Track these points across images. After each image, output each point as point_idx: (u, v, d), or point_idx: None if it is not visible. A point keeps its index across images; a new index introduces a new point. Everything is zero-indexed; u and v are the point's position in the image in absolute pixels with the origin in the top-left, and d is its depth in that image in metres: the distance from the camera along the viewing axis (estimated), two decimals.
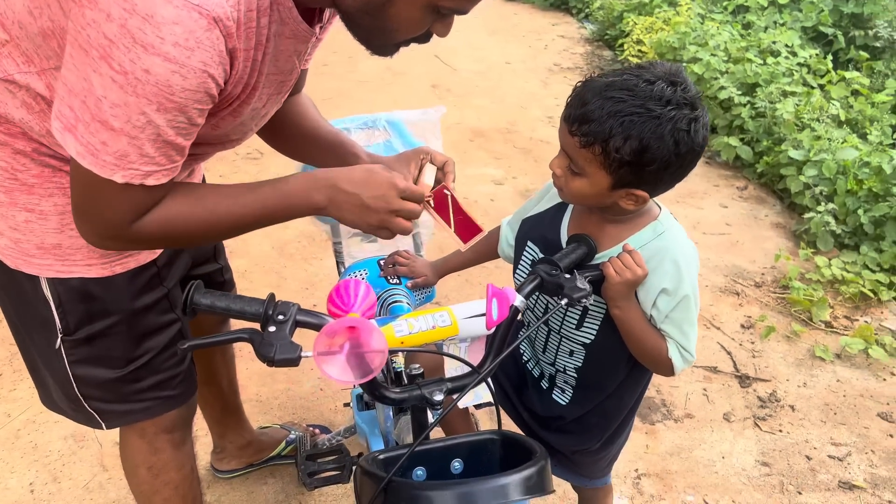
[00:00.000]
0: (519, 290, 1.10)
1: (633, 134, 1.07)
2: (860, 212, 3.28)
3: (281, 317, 0.95)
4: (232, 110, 1.07)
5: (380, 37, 1.03)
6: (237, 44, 0.94)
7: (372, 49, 1.07)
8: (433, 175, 1.20)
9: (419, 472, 1.03)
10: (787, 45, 4.88)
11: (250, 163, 3.84)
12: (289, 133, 1.42)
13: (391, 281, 1.60)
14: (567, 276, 1.13)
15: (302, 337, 0.94)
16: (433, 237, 1.89)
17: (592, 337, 1.30)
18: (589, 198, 1.19)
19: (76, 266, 1.16)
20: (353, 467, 1.40)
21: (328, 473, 1.47)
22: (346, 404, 2.21)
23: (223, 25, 0.90)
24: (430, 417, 1.11)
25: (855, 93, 4.49)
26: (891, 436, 2.33)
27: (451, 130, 4.40)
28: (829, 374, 2.61)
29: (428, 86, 5.22)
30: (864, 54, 5.22)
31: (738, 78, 4.47)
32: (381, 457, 1.02)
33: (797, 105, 4.06)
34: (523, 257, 1.38)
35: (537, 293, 1.34)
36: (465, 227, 1.17)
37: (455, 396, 1.05)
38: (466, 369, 1.07)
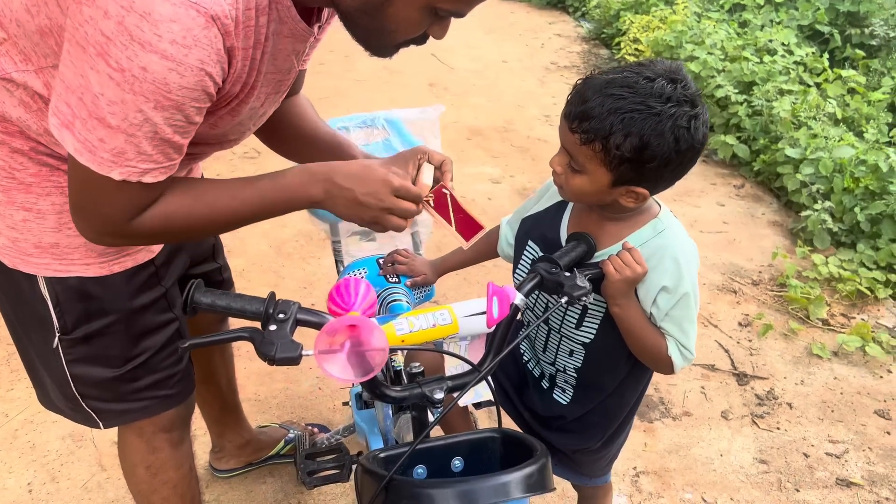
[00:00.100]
0: (519, 288, 1.10)
1: (633, 131, 1.07)
2: (857, 210, 3.29)
3: (281, 315, 0.95)
4: (230, 109, 1.07)
5: (378, 37, 1.03)
6: (235, 42, 0.94)
7: (370, 50, 1.07)
8: (431, 174, 1.19)
9: (420, 471, 1.03)
10: (783, 44, 4.88)
11: (247, 162, 3.83)
12: (286, 134, 1.42)
13: (390, 279, 1.59)
14: (567, 274, 1.13)
15: (302, 336, 0.93)
16: (432, 236, 1.89)
17: (592, 336, 1.30)
18: (589, 195, 1.19)
19: (74, 265, 1.16)
20: (353, 466, 1.40)
21: (328, 472, 1.46)
22: (345, 403, 2.21)
23: (221, 23, 0.89)
24: (430, 416, 1.11)
25: (851, 91, 4.50)
26: (888, 433, 2.34)
27: (448, 129, 4.40)
28: (826, 372, 2.62)
29: (425, 84, 5.22)
30: (861, 52, 5.24)
31: (734, 76, 4.48)
32: (382, 455, 1.02)
33: (794, 103, 4.07)
34: (523, 256, 1.38)
35: (537, 292, 1.35)
36: (466, 225, 1.17)
37: (455, 395, 1.05)
38: (466, 368, 1.07)
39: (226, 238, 1.62)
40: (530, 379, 1.48)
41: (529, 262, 1.36)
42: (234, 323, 1.56)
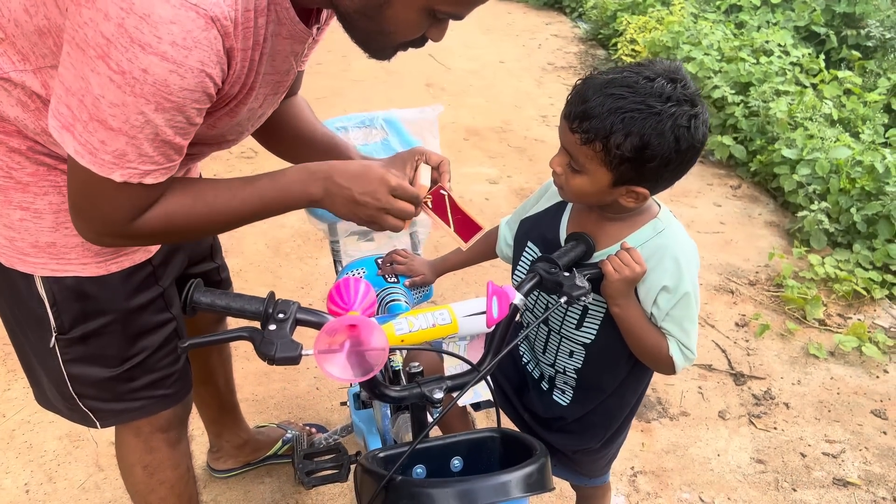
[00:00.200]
0: (518, 287, 1.10)
1: (633, 130, 1.08)
2: (853, 210, 3.30)
3: (281, 315, 0.95)
4: (229, 110, 1.07)
5: (377, 39, 1.03)
6: (234, 43, 0.94)
7: (370, 52, 1.07)
8: (429, 175, 1.19)
9: (419, 470, 1.03)
10: (779, 45, 4.90)
11: (244, 162, 3.83)
12: (284, 135, 1.42)
13: (389, 279, 1.59)
14: (566, 274, 1.13)
15: (301, 336, 0.93)
16: (430, 236, 1.89)
17: (593, 337, 1.30)
18: (589, 195, 1.19)
19: (71, 265, 1.16)
20: (352, 466, 1.40)
21: (326, 472, 1.46)
22: (343, 403, 2.21)
23: (220, 25, 0.90)
24: (429, 416, 1.11)
25: (847, 92, 4.51)
26: (884, 433, 2.35)
27: (445, 129, 4.40)
28: (822, 372, 2.62)
29: (422, 85, 5.22)
30: (856, 54, 5.25)
31: (731, 77, 4.49)
32: (381, 455, 1.02)
33: (790, 104, 4.08)
34: (523, 257, 1.38)
35: (537, 293, 1.35)
36: (465, 226, 1.17)
37: (455, 394, 1.05)
38: (466, 367, 1.07)
39: (223, 238, 1.62)
40: (530, 380, 1.48)
41: (529, 263, 1.36)
42: (232, 323, 1.56)
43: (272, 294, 0.99)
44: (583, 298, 1.10)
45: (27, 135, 1.07)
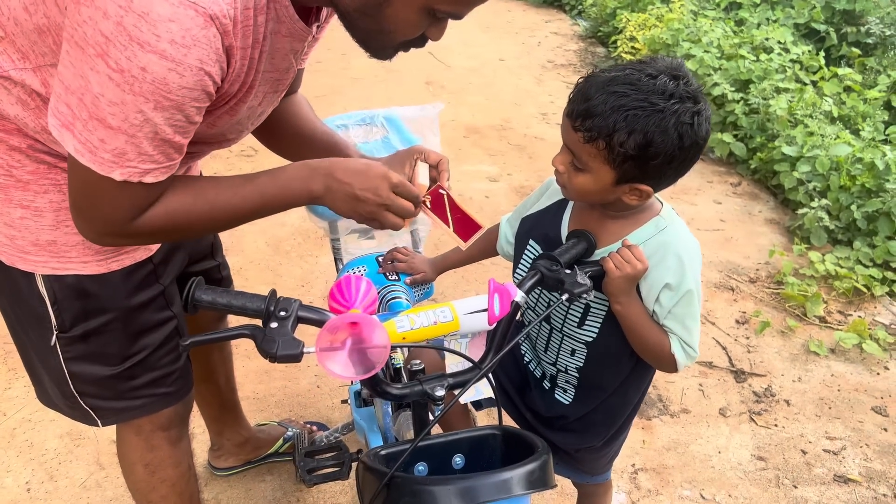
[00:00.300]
0: (520, 285, 1.10)
1: (637, 128, 1.07)
2: (853, 207, 3.30)
3: (283, 313, 0.95)
4: (228, 108, 1.06)
5: (377, 38, 1.03)
6: (234, 41, 0.94)
7: (370, 51, 1.07)
8: (427, 173, 1.19)
9: (420, 468, 1.03)
10: (779, 42, 4.89)
11: (244, 160, 3.82)
12: (284, 133, 1.42)
13: (390, 277, 1.59)
14: (567, 271, 1.13)
15: (302, 333, 0.93)
16: (431, 233, 1.89)
17: (594, 335, 1.30)
18: (593, 194, 1.19)
19: (71, 263, 1.16)
20: (353, 464, 1.40)
21: (327, 470, 1.46)
22: (344, 401, 2.21)
23: (219, 23, 0.89)
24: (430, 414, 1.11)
25: (847, 89, 4.51)
26: (885, 430, 2.35)
27: (445, 127, 4.39)
28: (823, 369, 2.62)
29: (422, 83, 5.21)
30: (856, 51, 5.25)
31: (731, 74, 4.48)
32: (383, 452, 1.02)
33: (790, 101, 4.08)
34: (524, 256, 1.38)
35: (539, 291, 1.35)
36: (464, 225, 1.17)
37: (457, 392, 1.05)
38: (467, 365, 1.07)
39: (223, 236, 1.62)
40: (532, 380, 1.47)
41: (530, 261, 1.36)
42: (233, 321, 1.56)
43: (273, 292, 0.98)
44: (584, 296, 1.10)
45: (27, 133, 1.07)
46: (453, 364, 1.12)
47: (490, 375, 1.06)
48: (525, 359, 1.48)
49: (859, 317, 2.89)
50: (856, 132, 4.03)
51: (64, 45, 0.91)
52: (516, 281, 1.17)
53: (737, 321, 2.87)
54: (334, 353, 0.89)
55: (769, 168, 3.88)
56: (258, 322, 0.97)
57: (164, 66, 0.87)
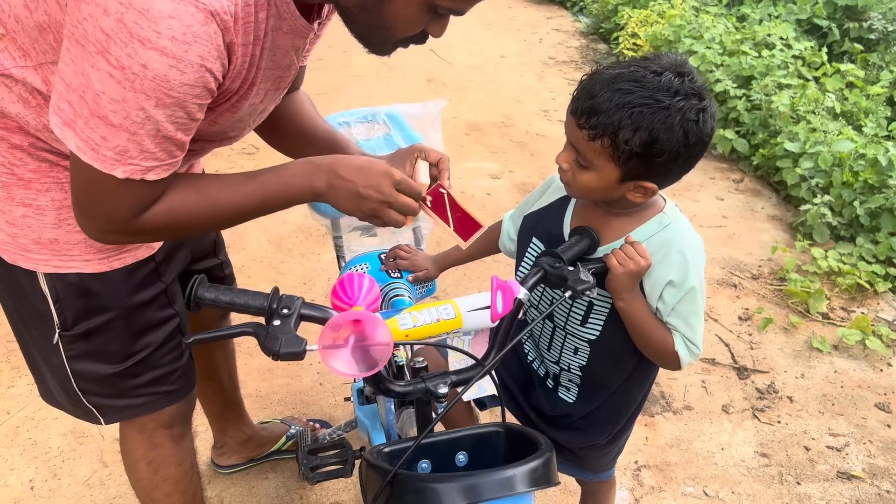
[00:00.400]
0: (523, 282, 1.10)
1: (642, 125, 1.07)
2: (856, 203, 3.30)
3: (285, 311, 0.94)
4: (230, 105, 1.06)
5: (377, 34, 1.03)
6: (235, 38, 0.94)
7: (369, 47, 1.06)
8: (427, 172, 1.19)
9: (424, 465, 1.03)
10: (781, 38, 4.88)
11: (246, 158, 3.82)
12: (286, 131, 1.42)
13: (392, 275, 1.59)
14: (570, 268, 1.13)
15: (304, 331, 0.93)
16: (433, 231, 1.88)
17: (598, 333, 1.29)
18: (597, 191, 1.19)
19: (73, 261, 1.16)
20: (356, 461, 1.40)
21: (330, 467, 1.47)
22: (347, 399, 2.22)
23: (220, 19, 0.89)
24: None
25: (850, 85, 4.49)
26: (888, 426, 2.35)
27: (447, 125, 4.38)
28: (826, 366, 2.62)
29: (423, 80, 5.21)
30: (859, 46, 5.23)
31: (733, 71, 4.47)
32: (386, 450, 1.02)
33: (792, 97, 4.07)
34: (527, 254, 1.37)
35: (542, 289, 1.34)
36: (465, 224, 1.16)
37: (460, 389, 1.05)
38: (470, 363, 1.07)
39: (225, 234, 1.62)
40: (536, 378, 1.47)
41: (533, 259, 1.35)
42: (236, 319, 1.56)
43: (276, 289, 0.98)
44: (587, 293, 1.09)
45: (29, 131, 1.06)
46: (456, 361, 1.12)
47: (493, 373, 1.06)
48: (528, 357, 1.48)
49: (862, 313, 2.88)
50: (858, 128, 4.02)
51: (64, 42, 0.91)
52: (519, 279, 1.17)
53: (739, 318, 2.86)
54: (337, 351, 0.89)
55: (771, 164, 3.87)
56: (261, 320, 0.97)
57: (165, 62, 0.86)
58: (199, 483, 1.59)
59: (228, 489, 1.99)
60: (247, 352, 2.40)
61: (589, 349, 1.32)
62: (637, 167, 1.12)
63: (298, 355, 0.91)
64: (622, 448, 1.54)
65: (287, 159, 1.53)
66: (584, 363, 1.34)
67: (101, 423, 1.34)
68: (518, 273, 1.39)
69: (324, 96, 4.44)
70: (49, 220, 1.12)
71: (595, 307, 1.28)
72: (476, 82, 5.26)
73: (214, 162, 3.72)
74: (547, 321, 1.36)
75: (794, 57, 4.72)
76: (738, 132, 4.18)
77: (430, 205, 1.16)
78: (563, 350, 1.36)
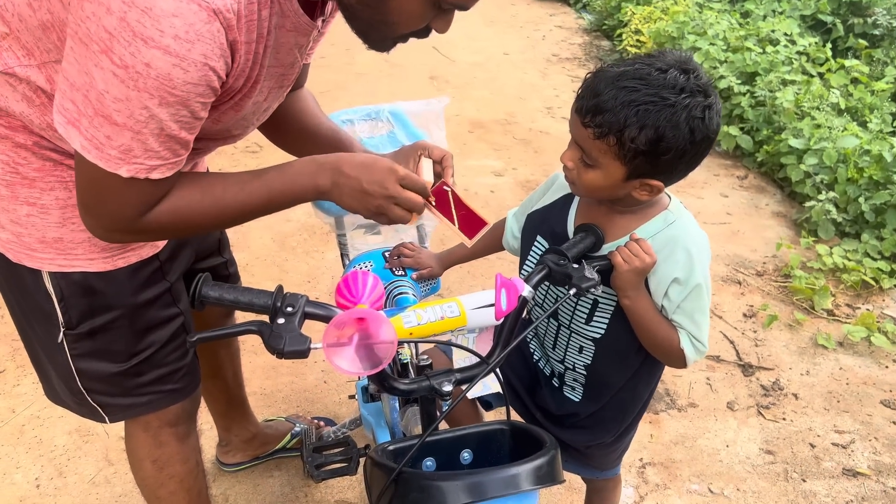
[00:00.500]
0: (527, 280, 1.10)
1: (648, 123, 1.06)
2: (861, 200, 3.28)
3: (290, 309, 0.94)
4: (233, 104, 1.06)
5: (379, 30, 1.02)
6: (238, 36, 0.93)
7: (369, 43, 1.06)
8: (431, 169, 1.18)
9: (428, 463, 1.03)
10: (785, 34, 4.86)
11: (249, 156, 3.82)
12: (289, 129, 1.42)
13: (396, 272, 1.59)
14: (575, 265, 1.12)
15: (309, 329, 0.93)
16: (437, 228, 1.88)
17: (603, 331, 1.29)
18: (602, 190, 1.18)
19: (78, 260, 1.16)
20: (361, 459, 1.40)
21: (335, 465, 1.47)
22: (351, 396, 2.21)
23: (223, 17, 0.89)
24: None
25: (854, 81, 4.48)
26: (894, 423, 2.34)
27: (450, 122, 4.38)
28: (831, 362, 2.61)
29: (426, 77, 5.20)
30: (863, 42, 5.21)
31: (737, 67, 4.46)
32: (391, 448, 1.02)
33: (797, 94, 4.05)
34: (532, 252, 1.37)
35: (547, 287, 1.34)
36: (469, 222, 1.16)
37: (464, 387, 1.04)
38: (475, 360, 1.07)
39: (229, 232, 1.62)
40: (541, 377, 1.46)
41: (537, 257, 1.35)
42: (240, 317, 1.56)
43: (280, 288, 0.98)
44: (592, 291, 1.09)
45: (33, 130, 1.07)
46: (461, 359, 1.11)
47: (497, 370, 1.06)
48: (534, 357, 1.48)
49: (867, 310, 2.87)
50: (863, 124, 4.00)
51: (68, 41, 0.91)
52: (523, 276, 1.17)
53: (744, 315, 2.86)
54: (341, 349, 0.89)
55: (776, 161, 3.86)
56: (265, 318, 0.97)
57: (169, 61, 0.86)
58: (204, 481, 1.59)
59: (233, 487, 1.99)
60: (251, 350, 2.40)
61: (594, 348, 1.32)
62: (643, 165, 1.11)
63: (303, 353, 0.91)
64: (628, 446, 1.54)
65: (291, 157, 1.54)
66: (590, 362, 1.34)
67: (105, 422, 1.35)
68: (522, 271, 1.38)
69: (327, 94, 4.44)
70: (53, 219, 1.13)
71: (600, 305, 1.27)
72: (479, 80, 5.25)
73: (218, 160, 3.72)
74: (552, 320, 1.36)
75: (799, 53, 4.70)
76: (742, 129, 4.17)
77: (433, 203, 1.16)
78: (569, 349, 1.35)
